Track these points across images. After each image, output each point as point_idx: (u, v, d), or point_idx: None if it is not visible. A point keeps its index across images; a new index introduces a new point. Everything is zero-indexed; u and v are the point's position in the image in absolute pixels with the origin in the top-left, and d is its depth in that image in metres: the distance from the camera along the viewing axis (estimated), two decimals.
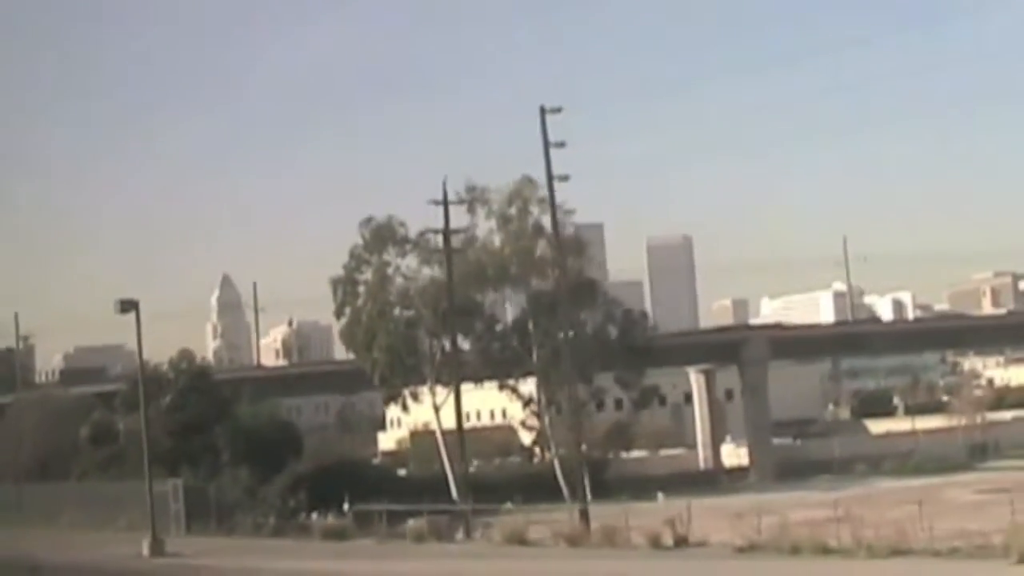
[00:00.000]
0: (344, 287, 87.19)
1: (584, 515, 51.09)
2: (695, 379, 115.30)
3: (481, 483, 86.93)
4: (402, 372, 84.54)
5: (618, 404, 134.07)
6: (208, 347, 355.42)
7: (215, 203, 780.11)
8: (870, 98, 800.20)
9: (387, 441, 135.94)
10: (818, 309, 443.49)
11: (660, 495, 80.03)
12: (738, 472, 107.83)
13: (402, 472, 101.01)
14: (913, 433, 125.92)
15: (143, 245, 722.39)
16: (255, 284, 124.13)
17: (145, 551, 51.49)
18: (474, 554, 43.50)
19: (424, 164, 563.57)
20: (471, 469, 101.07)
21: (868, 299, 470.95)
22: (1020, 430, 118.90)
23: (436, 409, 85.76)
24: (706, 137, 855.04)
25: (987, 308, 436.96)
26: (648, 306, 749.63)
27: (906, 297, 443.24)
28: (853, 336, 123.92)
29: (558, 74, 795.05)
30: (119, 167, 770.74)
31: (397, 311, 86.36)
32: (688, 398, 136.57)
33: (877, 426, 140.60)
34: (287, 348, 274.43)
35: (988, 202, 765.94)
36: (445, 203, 64.59)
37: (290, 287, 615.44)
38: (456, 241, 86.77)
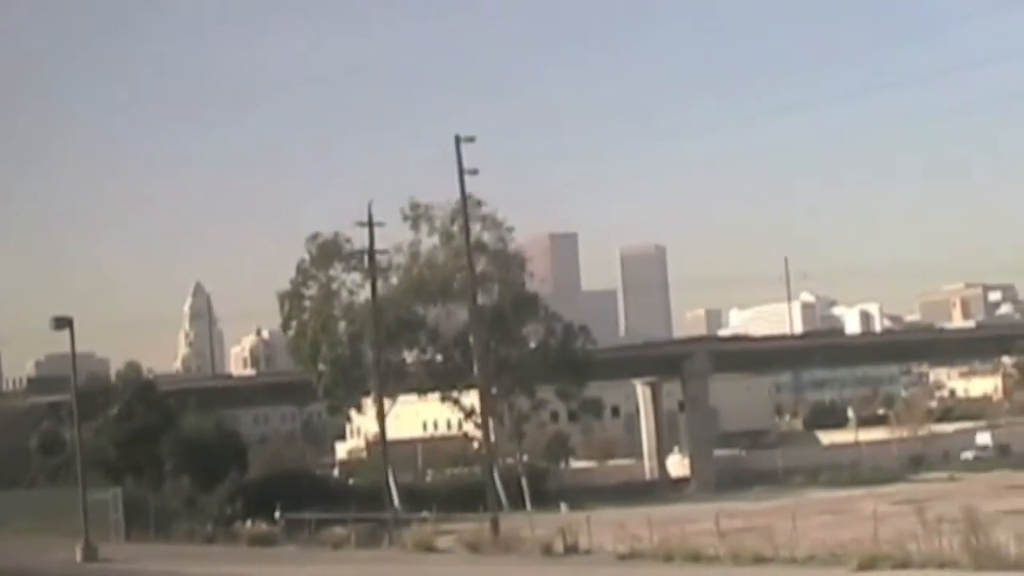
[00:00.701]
0: (291, 301, 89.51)
1: (495, 524, 53.57)
2: (641, 391, 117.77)
3: (425, 492, 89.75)
4: (345, 384, 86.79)
5: (572, 415, 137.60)
6: (179, 355, 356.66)
7: (193, 208, 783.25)
8: (848, 112, 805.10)
9: (344, 451, 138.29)
10: (786, 320, 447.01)
11: (563, 506, 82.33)
12: (683, 482, 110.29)
13: (351, 481, 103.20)
14: (856, 444, 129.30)
15: (123, 251, 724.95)
16: (208, 296, 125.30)
17: (78, 557, 53.88)
18: (380, 559, 46.13)
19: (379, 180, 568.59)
20: (426, 479, 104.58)
21: (836, 310, 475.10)
22: (960, 442, 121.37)
23: (380, 420, 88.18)
24: (681, 150, 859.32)
25: (957, 319, 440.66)
26: (621, 315, 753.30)
27: (873, 308, 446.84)
28: (795, 350, 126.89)
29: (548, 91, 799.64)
30: (100, 171, 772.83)
31: (341, 325, 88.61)
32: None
33: (828, 437, 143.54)
34: (255, 357, 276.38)
35: (963, 214, 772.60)
36: (370, 225, 67.01)
37: (264, 296, 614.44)
38: (401, 257, 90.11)
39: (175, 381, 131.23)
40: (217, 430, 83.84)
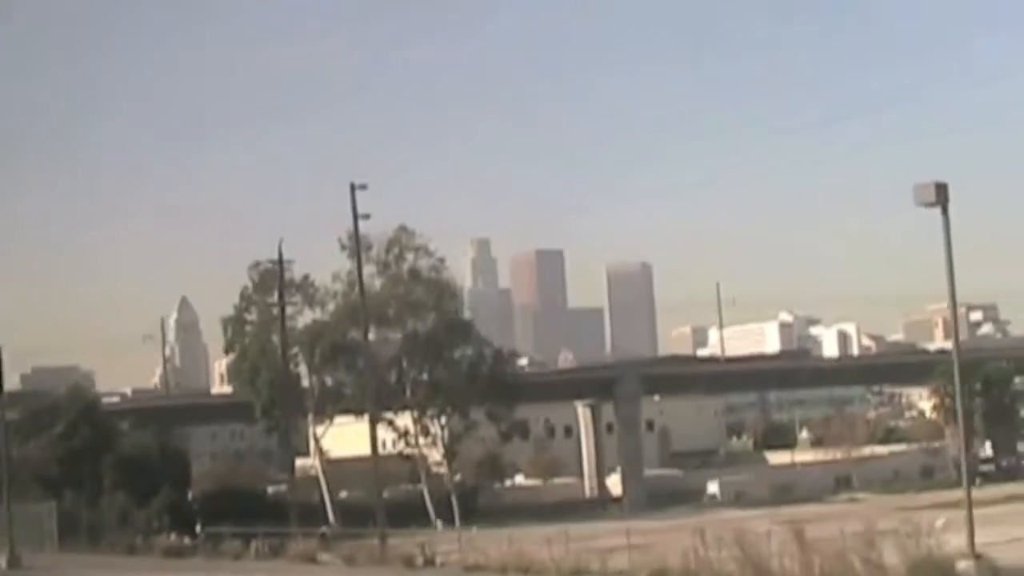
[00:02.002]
0: (233, 325, 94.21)
1: (383, 539, 58.00)
2: (582, 413, 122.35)
3: (363, 509, 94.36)
4: (283, 406, 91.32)
5: (524, 435, 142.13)
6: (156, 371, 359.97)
7: (181, 225, 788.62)
8: (837, 134, 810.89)
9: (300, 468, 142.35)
10: (764, 339, 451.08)
11: (439, 523, 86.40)
12: (620, 501, 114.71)
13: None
14: (792, 465, 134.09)
15: (113, 265, 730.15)
16: (159, 319, 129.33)
17: (3, 564, 58.77)
18: (263, 569, 50.87)
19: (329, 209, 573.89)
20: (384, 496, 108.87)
21: (814, 330, 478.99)
22: (891, 463, 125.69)
23: (316, 440, 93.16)
24: (668, 173, 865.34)
25: (938, 339, 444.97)
26: (607, 332, 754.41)
27: (851, 328, 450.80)
28: (720, 374, 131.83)
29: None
30: (92, 185, 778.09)
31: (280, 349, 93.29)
32: (609, 428, 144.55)
33: (776, 458, 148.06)
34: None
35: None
36: (280, 264, 71.83)
37: None
38: (339, 284, 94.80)
39: (136, 400, 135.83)
40: (160, 448, 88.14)
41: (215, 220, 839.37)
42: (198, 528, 69.21)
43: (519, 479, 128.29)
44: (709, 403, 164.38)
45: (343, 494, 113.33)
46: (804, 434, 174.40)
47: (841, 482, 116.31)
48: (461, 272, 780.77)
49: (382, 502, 69.13)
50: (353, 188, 59.89)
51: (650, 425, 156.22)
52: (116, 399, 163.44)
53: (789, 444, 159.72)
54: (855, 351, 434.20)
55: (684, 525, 76.15)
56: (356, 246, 67.06)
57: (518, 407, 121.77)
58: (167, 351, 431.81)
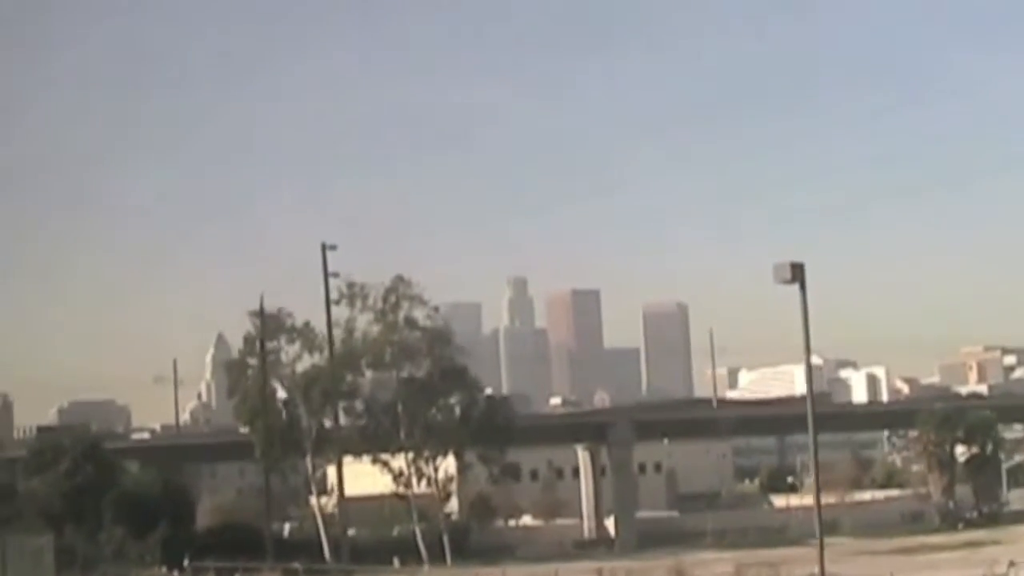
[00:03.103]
0: (237, 369, 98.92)
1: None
2: (581, 455, 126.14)
3: (359, 547, 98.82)
4: (281, 446, 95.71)
5: (533, 475, 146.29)
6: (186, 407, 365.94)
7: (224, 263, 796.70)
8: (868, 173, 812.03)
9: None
10: (793, 382, 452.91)
11: (396, 560, 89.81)
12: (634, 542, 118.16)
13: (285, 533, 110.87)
14: (787, 509, 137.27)
15: (151, 301, 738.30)
16: (175, 360, 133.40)
17: None
18: None
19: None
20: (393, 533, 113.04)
21: (844, 373, 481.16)
22: (884, 508, 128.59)
23: (310, 480, 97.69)
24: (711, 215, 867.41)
25: (971, 383, 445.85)
26: (643, 372, 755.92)
27: (880, 372, 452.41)
28: (712, 421, 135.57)
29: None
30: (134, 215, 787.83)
31: (280, 392, 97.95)
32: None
33: (781, 500, 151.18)
34: None
35: (992, 274, 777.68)
36: (262, 315, 76.38)
37: None
38: (338, 331, 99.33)
39: (145, 440, 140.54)
40: (163, 485, 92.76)
41: (256, 261, 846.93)
42: (186, 562, 73.40)
43: (526, 519, 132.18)
44: (717, 446, 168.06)
45: (351, 532, 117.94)
46: (807, 478, 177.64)
47: (828, 526, 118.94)
48: (498, 311, 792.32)
49: (347, 540, 73.28)
50: (324, 248, 64.25)
51: (658, 467, 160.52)
52: (146, 435, 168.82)
53: (793, 487, 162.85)
54: (884, 394, 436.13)
55: (656, 566, 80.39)
56: (326, 302, 71.32)
57: (523, 449, 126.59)
58: (211, 387, 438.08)
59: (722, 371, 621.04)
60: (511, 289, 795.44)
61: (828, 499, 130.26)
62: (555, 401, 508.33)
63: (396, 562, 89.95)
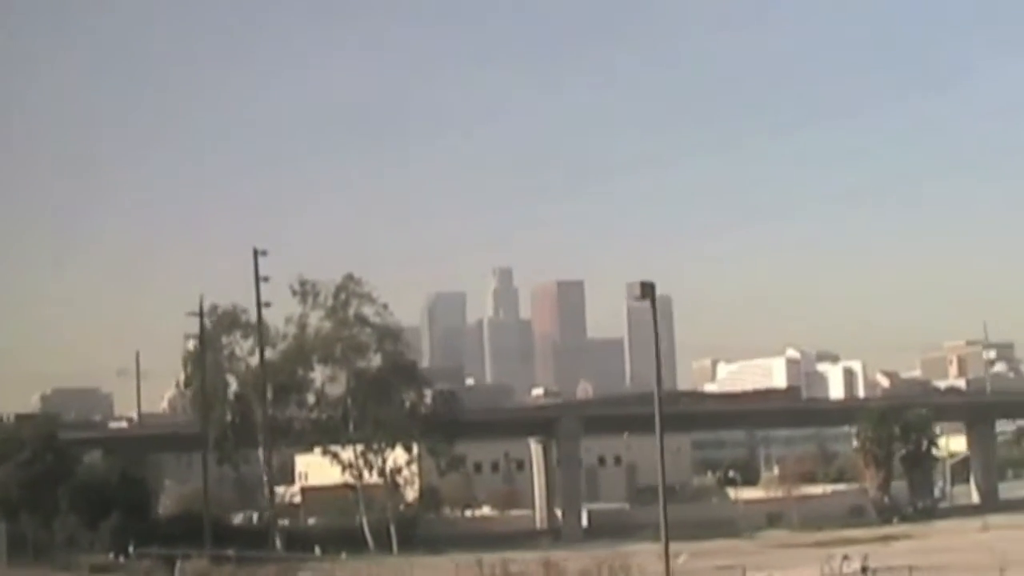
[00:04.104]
0: (192, 363, 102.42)
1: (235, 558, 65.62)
2: (534, 448, 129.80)
3: (309, 535, 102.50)
4: (234, 438, 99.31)
5: (494, 467, 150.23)
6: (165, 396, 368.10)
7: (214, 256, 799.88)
8: (853, 167, 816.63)
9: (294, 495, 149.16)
10: (771, 375, 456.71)
11: (317, 548, 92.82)
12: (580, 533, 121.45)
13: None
14: (735, 502, 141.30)
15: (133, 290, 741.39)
16: (138, 353, 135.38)
17: None
18: None
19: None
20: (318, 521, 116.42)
21: (820, 367, 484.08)
22: (828, 502, 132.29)
23: (266, 468, 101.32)
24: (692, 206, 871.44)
25: (951, 377, 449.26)
26: (627, 364, 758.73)
27: (857, 366, 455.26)
28: (644, 416, 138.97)
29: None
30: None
31: (233, 385, 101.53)
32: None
33: (740, 494, 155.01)
34: None
35: (979, 268, 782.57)
36: (201, 315, 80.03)
37: None
38: (291, 327, 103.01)
39: (107, 430, 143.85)
40: (120, 475, 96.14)
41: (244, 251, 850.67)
42: (131, 549, 76.94)
43: (485, 510, 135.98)
44: (676, 440, 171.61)
45: (311, 521, 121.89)
46: (775, 471, 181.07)
47: (774, 519, 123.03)
48: (483, 302, 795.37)
49: (274, 527, 77.05)
50: (256, 253, 67.83)
51: (618, 460, 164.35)
52: (124, 424, 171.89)
53: (751, 481, 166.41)
54: (861, 388, 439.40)
55: (590, 556, 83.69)
56: (257, 305, 74.87)
57: (488, 442, 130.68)
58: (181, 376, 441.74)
59: (706, 363, 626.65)
60: (496, 280, 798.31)
61: (777, 493, 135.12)
62: (537, 392, 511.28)
63: (316, 549, 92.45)
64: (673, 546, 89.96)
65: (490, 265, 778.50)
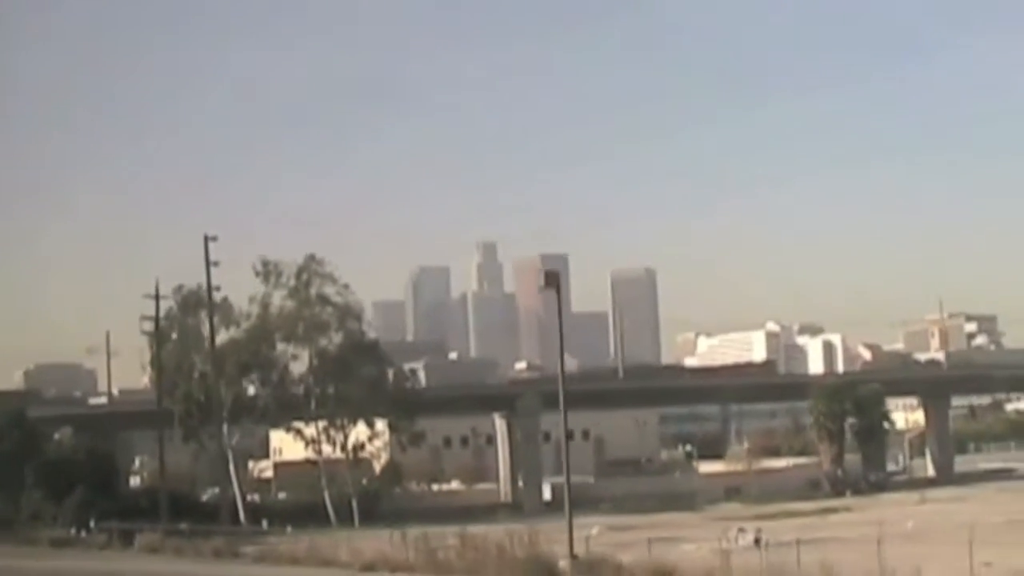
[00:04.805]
0: (158, 342, 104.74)
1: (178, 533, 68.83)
2: (498, 424, 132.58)
3: (274, 510, 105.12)
4: (198, 415, 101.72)
5: (464, 442, 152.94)
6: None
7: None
8: (837, 138, 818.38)
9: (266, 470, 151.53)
10: (751, 348, 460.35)
11: (264, 522, 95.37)
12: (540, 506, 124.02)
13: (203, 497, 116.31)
14: (698, 475, 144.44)
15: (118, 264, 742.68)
16: (108, 333, 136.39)
17: None
18: (107, 557, 62.04)
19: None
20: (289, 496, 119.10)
21: (800, 340, 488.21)
22: (786, 476, 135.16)
23: (227, 446, 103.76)
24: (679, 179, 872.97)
25: (933, 350, 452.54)
26: (611, 338, 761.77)
27: (836, 339, 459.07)
28: (614, 392, 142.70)
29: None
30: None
31: (198, 364, 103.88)
32: (547, 437, 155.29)
33: (706, 467, 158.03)
34: None
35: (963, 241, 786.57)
36: (156, 298, 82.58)
37: None
38: (255, 306, 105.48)
39: (79, 407, 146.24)
40: (87, 451, 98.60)
41: (232, 229, 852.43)
42: (92, 523, 79.45)
43: (455, 484, 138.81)
44: (645, 413, 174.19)
45: (281, 495, 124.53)
46: (745, 444, 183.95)
47: (731, 492, 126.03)
48: (467, 276, 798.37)
49: (226, 501, 79.85)
50: (206, 239, 70.23)
51: (586, 434, 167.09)
52: (104, 400, 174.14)
53: (718, 455, 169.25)
54: (840, 361, 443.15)
55: (538, 529, 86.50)
56: (208, 291, 77.36)
57: (460, 418, 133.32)
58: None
59: (690, 336, 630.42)
60: (480, 254, 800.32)
61: (737, 467, 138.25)
62: (520, 366, 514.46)
63: (264, 523, 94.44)
64: (603, 519, 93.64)
65: (474, 239, 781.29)
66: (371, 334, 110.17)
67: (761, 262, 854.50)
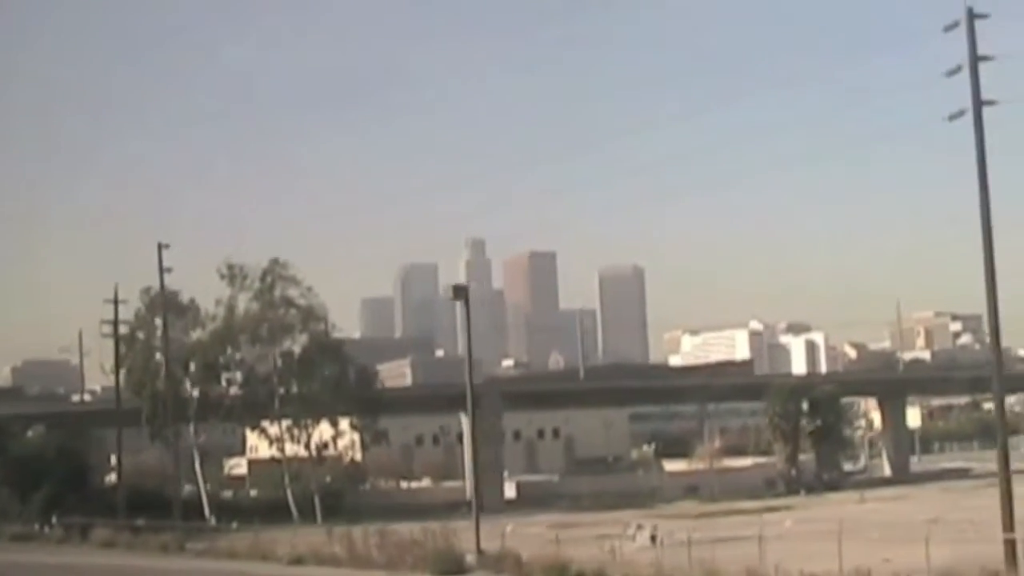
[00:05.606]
0: (126, 343, 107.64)
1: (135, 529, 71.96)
2: (464, 423, 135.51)
3: (240, 506, 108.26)
4: (164, 414, 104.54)
5: (435, 440, 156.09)
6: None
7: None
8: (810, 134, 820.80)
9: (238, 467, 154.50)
10: (734, 346, 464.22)
11: (225, 518, 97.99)
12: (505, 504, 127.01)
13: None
14: (662, 473, 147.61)
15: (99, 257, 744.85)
16: (80, 331, 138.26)
17: None
18: (64, 552, 65.05)
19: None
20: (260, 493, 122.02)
21: (784, 339, 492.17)
22: (745, 475, 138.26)
23: (193, 444, 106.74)
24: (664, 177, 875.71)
25: (918, 348, 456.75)
26: (599, 334, 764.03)
27: (819, 338, 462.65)
28: (574, 392, 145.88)
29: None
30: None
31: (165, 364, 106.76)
32: (517, 436, 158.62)
33: (671, 465, 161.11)
34: None
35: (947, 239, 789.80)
36: (115, 303, 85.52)
37: None
38: (220, 308, 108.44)
39: (51, 405, 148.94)
40: (56, 449, 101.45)
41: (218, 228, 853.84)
42: (54, 518, 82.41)
43: (425, 481, 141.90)
44: (614, 413, 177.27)
45: (253, 492, 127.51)
46: (717, 443, 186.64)
47: (690, 490, 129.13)
48: (455, 273, 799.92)
49: (178, 497, 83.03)
50: (160, 247, 73.13)
51: (556, 433, 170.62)
52: (88, 396, 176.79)
53: (684, 453, 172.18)
54: (823, 360, 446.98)
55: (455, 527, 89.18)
56: (162, 298, 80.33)
57: (429, 417, 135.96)
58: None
59: (676, 334, 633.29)
60: (469, 251, 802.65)
61: (699, 465, 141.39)
62: (507, 363, 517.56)
63: (211, 519, 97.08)
64: (554, 517, 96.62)
65: (463, 236, 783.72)
66: (336, 334, 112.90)
67: (752, 260, 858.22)
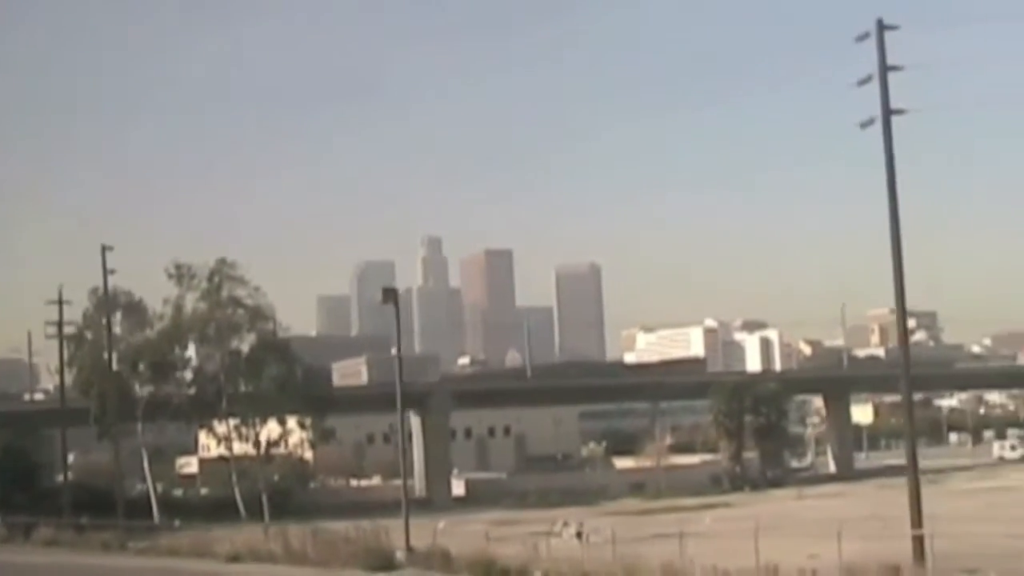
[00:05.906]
0: (75, 342, 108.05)
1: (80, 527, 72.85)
2: (414, 421, 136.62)
3: (188, 504, 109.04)
4: (112, 413, 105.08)
5: (386, 438, 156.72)
6: None
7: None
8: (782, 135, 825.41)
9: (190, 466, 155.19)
10: (689, 344, 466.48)
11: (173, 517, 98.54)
12: (453, 501, 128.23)
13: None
14: (612, 470, 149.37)
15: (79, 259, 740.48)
16: (29, 332, 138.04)
17: None
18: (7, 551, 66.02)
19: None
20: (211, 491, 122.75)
21: (738, 336, 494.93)
22: (693, 472, 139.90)
23: (143, 443, 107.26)
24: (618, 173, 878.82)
25: (872, 345, 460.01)
26: (556, 331, 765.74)
27: (773, 335, 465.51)
28: (522, 390, 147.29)
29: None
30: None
31: (114, 364, 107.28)
32: (468, 433, 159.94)
33: (621, 463, 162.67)
34: None
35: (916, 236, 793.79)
36: (60, 304, 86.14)
37: None
38: (168, 308, 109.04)
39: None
40: (3, 448, 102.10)
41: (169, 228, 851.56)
42: None
43: (376, 479, 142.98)
44: (564, 411, 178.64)
45: (204, 491, 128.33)
46: (668, 440, 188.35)
47: (636, 487, 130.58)
48: (411, 271, 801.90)
49: (122, 496, 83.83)
50: (103, 249, 73.77)
51: (507, 431, 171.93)
52: (40, 395, 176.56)
53: (632, 451, 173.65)
54: (777, 357, 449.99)
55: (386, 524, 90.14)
56: (105, 300, 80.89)
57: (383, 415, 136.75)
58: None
59: (632, 331, 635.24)
60: (425, 248, 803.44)
61: (646, 462, 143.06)
62: (463, 361, 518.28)
63: (153, 516, 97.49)
64: (497, 514, 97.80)
65: (420, 234, 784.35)
66: (282, 334, 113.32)
67: (710, 258, 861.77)
